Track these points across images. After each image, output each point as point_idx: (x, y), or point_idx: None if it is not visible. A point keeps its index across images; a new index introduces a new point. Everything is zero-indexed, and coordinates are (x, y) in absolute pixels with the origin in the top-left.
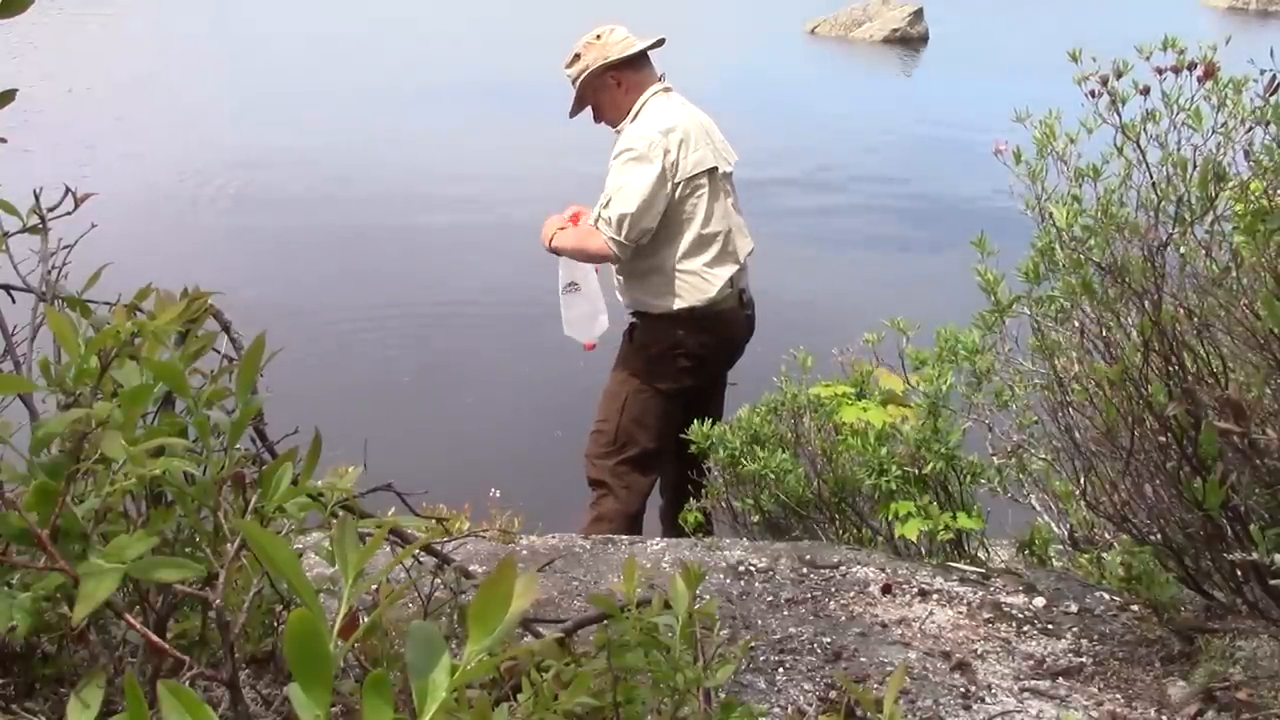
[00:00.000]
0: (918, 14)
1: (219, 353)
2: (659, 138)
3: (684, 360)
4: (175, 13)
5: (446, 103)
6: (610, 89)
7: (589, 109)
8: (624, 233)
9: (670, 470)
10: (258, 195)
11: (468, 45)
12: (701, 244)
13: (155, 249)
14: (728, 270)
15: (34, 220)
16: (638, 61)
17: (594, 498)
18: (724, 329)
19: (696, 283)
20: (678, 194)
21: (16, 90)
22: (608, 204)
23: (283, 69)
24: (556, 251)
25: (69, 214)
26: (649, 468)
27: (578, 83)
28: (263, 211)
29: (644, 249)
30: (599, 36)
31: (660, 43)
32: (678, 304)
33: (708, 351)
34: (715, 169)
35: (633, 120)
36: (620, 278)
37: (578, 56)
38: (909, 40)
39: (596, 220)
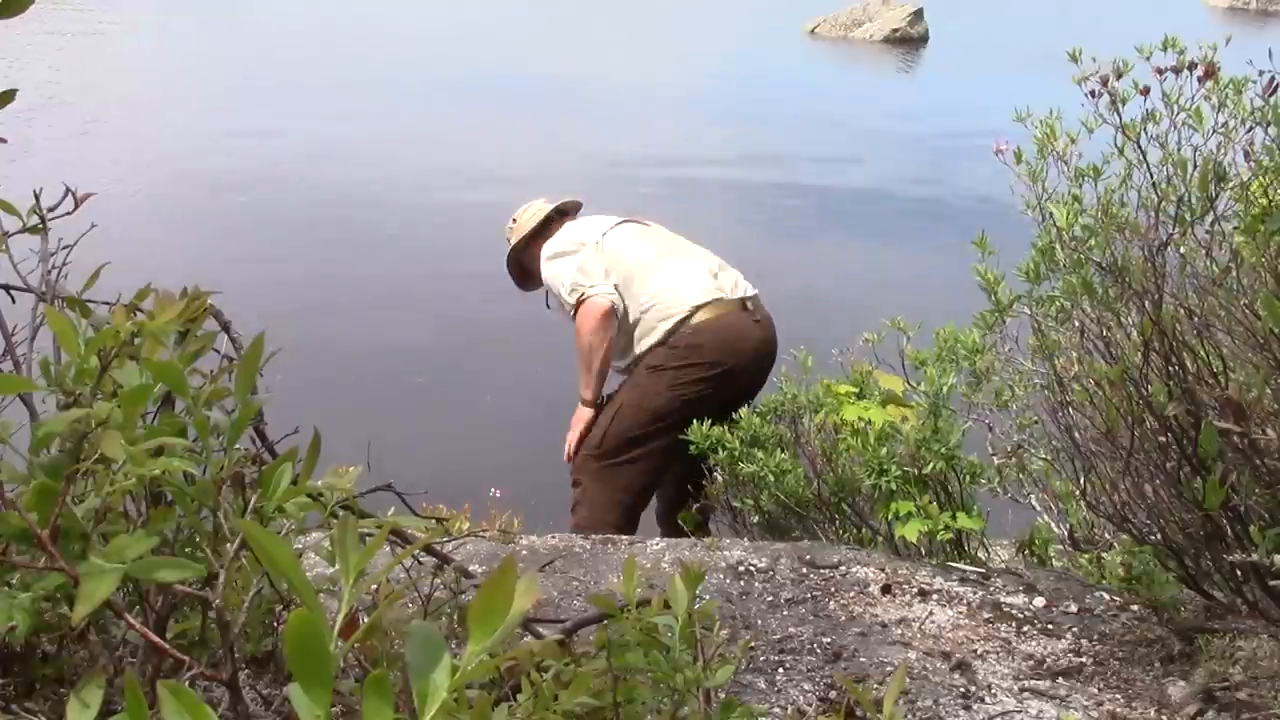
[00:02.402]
0: (918, 14)
1: (218, 352)
2: (560, 236)
3: (689, 374)
4: (174, 12)
5: (455, 101)
6: (538, 258)
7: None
8: (589, 284)
9: (669, 482)
10: (261, 193)
11: (472, 43)
12: (651, 270)
13: (155, 249)
14: (697, 281)
15: (34, 220)
16: (553, 225)
17: (572, 502)
18: (727, 338)
19: (669, 299)
20: (606, 247)
21: (16, 90)
22: (566, 291)
23: (286, 67)
24: (587, 367)
25: (69, 214)
26: (629, 480)
27: (511, 264)
28: (265, 210)
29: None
30: (515, 220)
31: (569, 206)
32: (665, 326)
33: (713, 370)
34: (629, 220)
35: None
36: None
37: (508, 241)
38: (909, 40)
39: (574, 313)
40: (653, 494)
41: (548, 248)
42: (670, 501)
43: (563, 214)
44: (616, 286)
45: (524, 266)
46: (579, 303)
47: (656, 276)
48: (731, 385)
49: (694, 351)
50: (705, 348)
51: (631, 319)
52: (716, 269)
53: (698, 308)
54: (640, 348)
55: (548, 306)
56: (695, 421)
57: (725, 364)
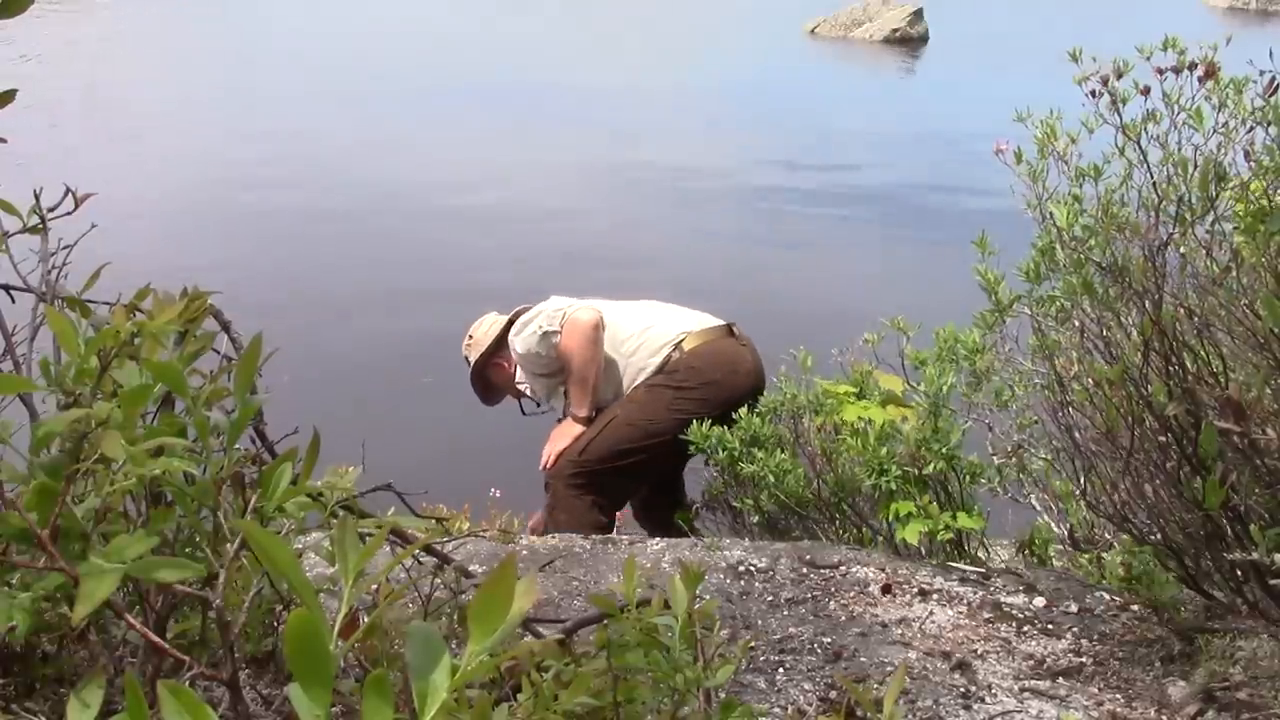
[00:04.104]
0: (918, 14)
1: (218, 353)
2: (528, 314)
3: (689, 394)
4: (176, 9)
5: (456, 103)
6: (500, 369)
7: (502, 394)
8: (568, 304)
9: (646, 488)
10: (264, 192)
11: (472, 44)
12: (628, 319)
13: (155, 249)
14: (679, 314)
15: (34, 220)
16: (507, 336)
17: (548, 506)
18: (722, 361)
19: (655, 333)
20: (580, 305)
21: (16, 90)
22: (547, 325)
23: (289, 67)
24: (583, 383)
25: (69, 214)
26: (606, 488)
27: (475, 380)
28: (267, 209)
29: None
30: (471, 337)
31: (519, 314)
32: (655, 361)
33: (712, 392)
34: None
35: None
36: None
37: (467, 360)
38: (909, 40)
39: (558, 340)
40: (626, 501)
41: (517, 325)
42: (645, 500)
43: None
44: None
45: (486, 380)
46: (564, 324)
47: (634, 321)
48: (727, 408)
49: (693, 374)
50: (703, 370)
51: (619, 368)
52: (689, 310)
53: (686, 334)
54: (634, 376)
55: (523, 413)
56: (695, 423)
57: (723, 387)
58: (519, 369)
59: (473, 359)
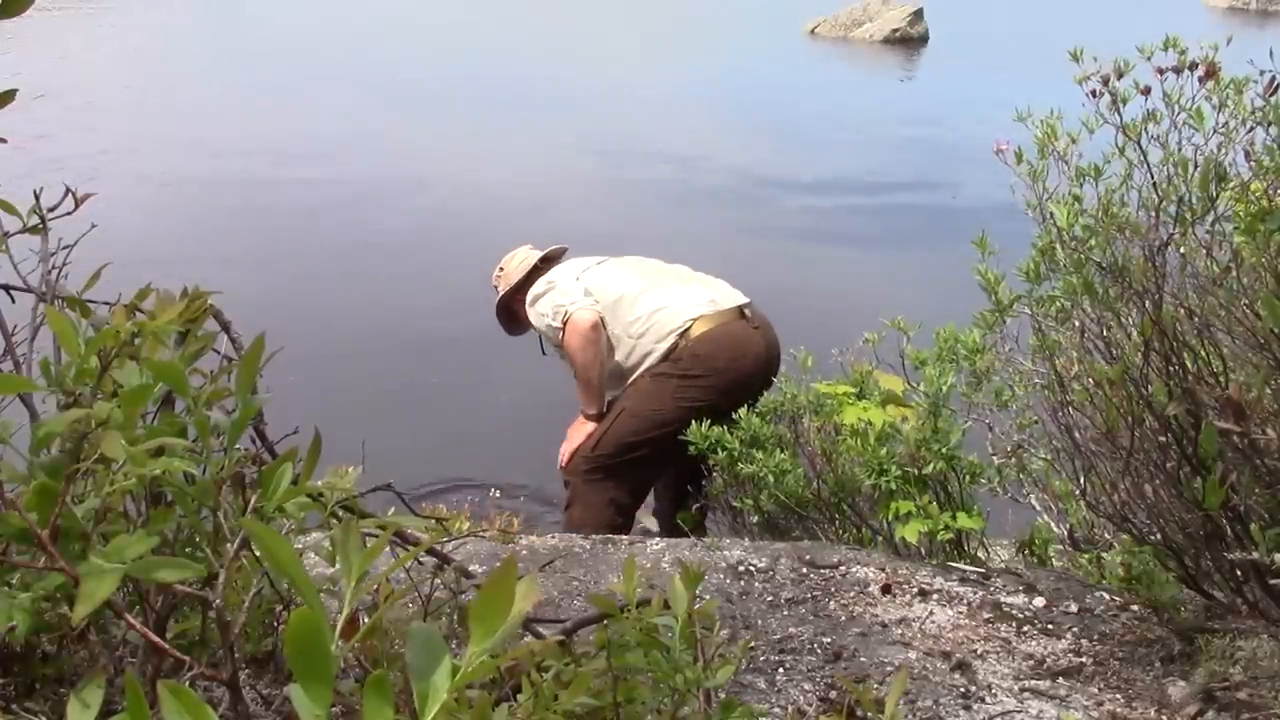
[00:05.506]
0: (918, 14)
1: (219, 353)
2: (540, 281)
3: (694, 384)
4: (179, 8)
5: (456, 101)
6: (525, 305)
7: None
8: (570, 301)
9: (671, 482)
10: (268, 191)
11: (472, 43)
12: (638, 297)
13: (155, 249)
14: (689, 297)
15: (34, 220)
16: (536, 274)
17: (565, 501)
18: (729, 347)
19: (663, 318)
20: (586, 281)
21: (16, 90)
22: (550, 318)
23: (292, 66)
24: (586, 384)
25: (69, 214)
26: (623, 482)
27: (501, 311)
28: (269, 208)
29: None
30: (501, 268)
31: (555, 254)
32: (663, 347)
33: (717, 380)
34: (610, 258)
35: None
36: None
37: (495, 289)
38: (909, 40)
39: (560, 337)
40: (646, 495)
41: (530, 294)
42: (673, 501)
43: (548, 261)
44: (602, 319)
45: (512, 312)
46: (565, 324)
47: (645, 301)
48: (735, 394)
49: (698, 362)
50: (707, 358)
51: (625, 350)
52: (706, 284)
53: (694, 320)
54: (640, 370)
55: (543, 353)
56: (695, 422)
57: (729, 373)
58: None
59: (500, 290)
